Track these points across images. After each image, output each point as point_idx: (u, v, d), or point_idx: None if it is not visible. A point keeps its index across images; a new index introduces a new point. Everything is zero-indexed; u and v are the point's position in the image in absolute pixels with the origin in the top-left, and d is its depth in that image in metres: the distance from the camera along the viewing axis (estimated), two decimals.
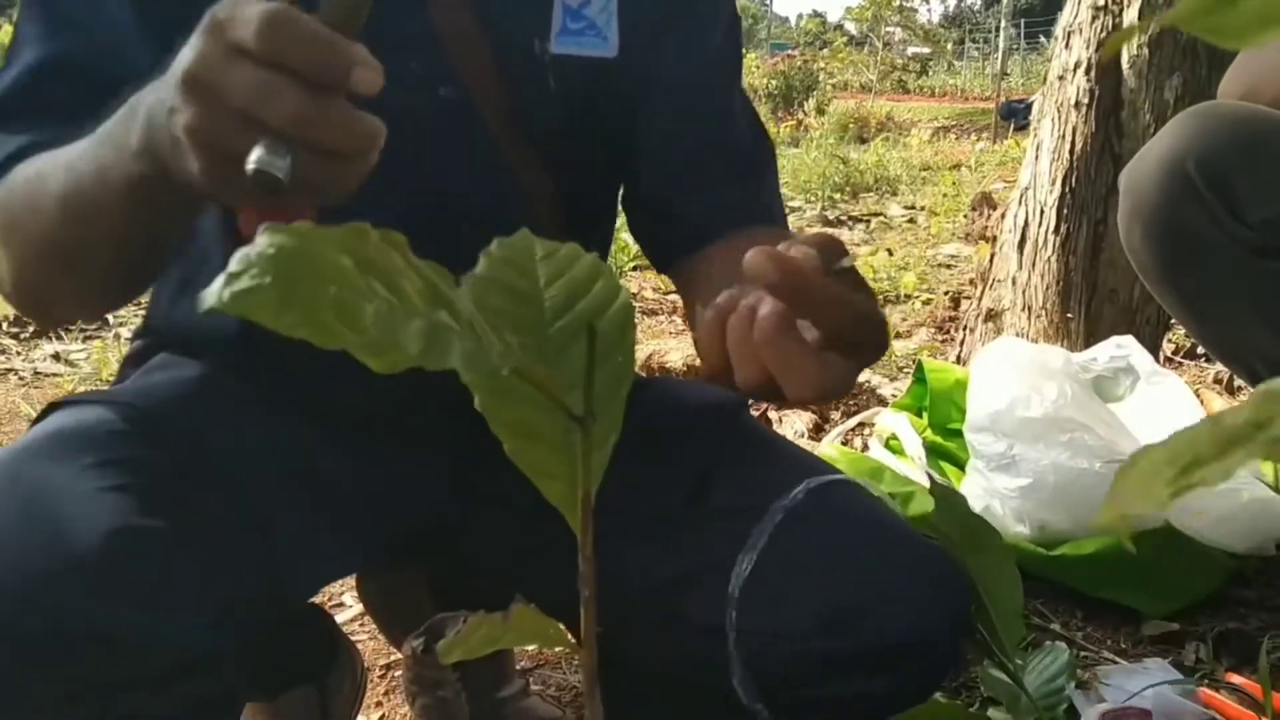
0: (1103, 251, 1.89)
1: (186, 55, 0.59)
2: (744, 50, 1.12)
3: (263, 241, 0.47)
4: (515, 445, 0.60)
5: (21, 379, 2.73)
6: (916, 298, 3.52)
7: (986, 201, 5.31)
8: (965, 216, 5.28)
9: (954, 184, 6.65)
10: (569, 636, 0.61)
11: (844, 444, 1.94)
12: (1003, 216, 2.08)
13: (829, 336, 0.62)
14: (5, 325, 3.02)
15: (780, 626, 0.82)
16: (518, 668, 1.35)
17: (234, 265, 0.44)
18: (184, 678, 0.73)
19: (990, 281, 2.07)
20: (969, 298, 3.57)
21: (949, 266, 4.20)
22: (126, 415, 0.82)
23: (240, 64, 0.58)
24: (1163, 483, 0.40)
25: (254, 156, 0.59)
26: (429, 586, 1.25)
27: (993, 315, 1.99)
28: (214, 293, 0.42)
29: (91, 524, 0.70)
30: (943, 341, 3.04)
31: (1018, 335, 1.95)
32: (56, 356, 2.89)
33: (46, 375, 2.76)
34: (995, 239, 2.10)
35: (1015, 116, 10.52)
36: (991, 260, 2.10)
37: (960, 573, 0.92)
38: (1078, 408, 1.54)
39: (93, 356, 2.86)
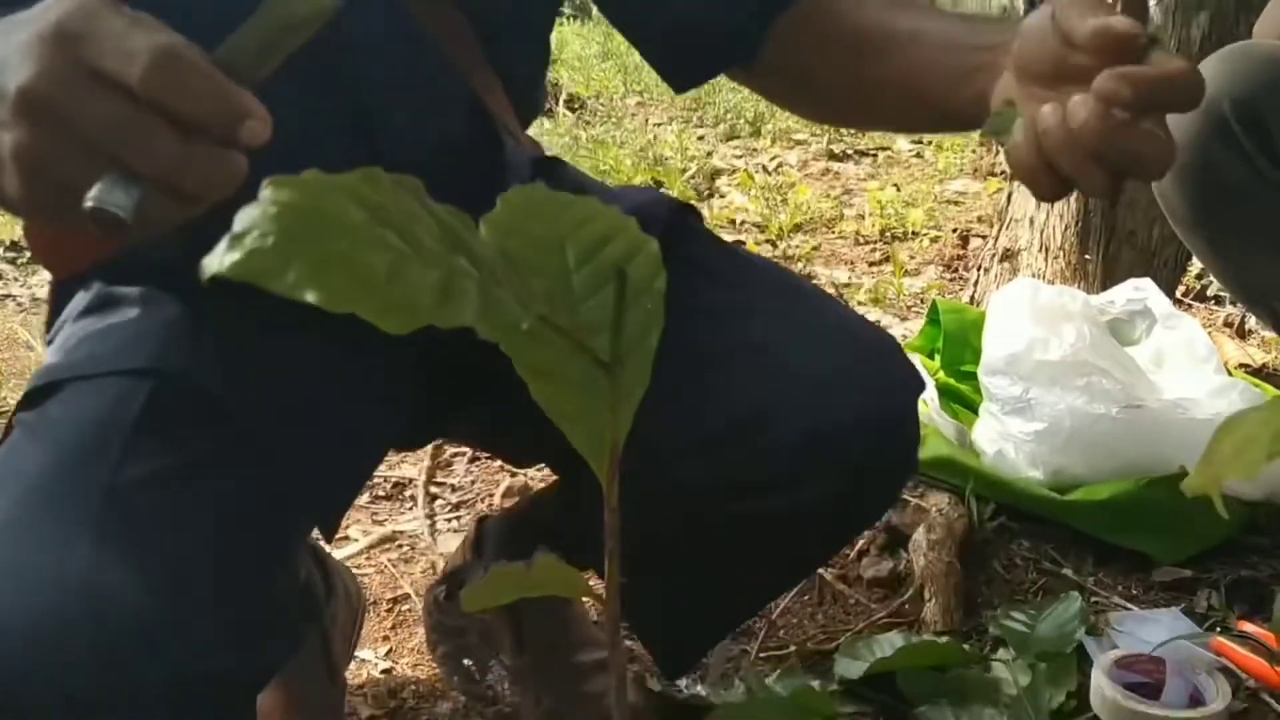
0: (1123, 191, 1.85)
1: (23, 65, 0.51)
2: None
3: (266, 197, 0.43)
4: (541, 389, 0.58)
5: (20, 304, 2.71)
6: (924, 235, 3.48)
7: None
8: (974, 151, 5.21)
9: None
10: (592, 588, 0.59)
11: None
12: None
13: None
14: (2, 250, 2.99)
15: (693, 434, 0.81)
16: None
17: (238, 225, 0.41)
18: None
19: (1007, 221, 2.03)
20: (978, 235, 3.54)
21: (957, 203, 4.15)
22: (140, 393, 0.76)
23: (102, 93, 0.51)
24: (1259, 448, 0.38)
25: (95, 193, 0.52)
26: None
27: (1009, 255, 1.96)
28: (215, 258, 0.40)
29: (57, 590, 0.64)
30: (951, 280, 3.01)
31: (1034, 276, 1.92)
32: None
33: (43, 300, 2.73)
34: (1011, 176, 2.07)
35: None
36: (1009, 199, 2.06)
37: (903, 364, 0.90)
38: (1096, 351, 1.52)
39: None
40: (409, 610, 1.47)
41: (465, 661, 1.16)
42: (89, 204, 0.52)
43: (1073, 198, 1.87)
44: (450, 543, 1.59)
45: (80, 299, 0.90)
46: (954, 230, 3.53)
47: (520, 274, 0.55)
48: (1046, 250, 1.91)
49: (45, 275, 2.92)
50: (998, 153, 5.11)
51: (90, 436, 0.72)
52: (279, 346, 0.82)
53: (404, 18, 0.85)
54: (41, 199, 0.54)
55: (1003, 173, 4.73)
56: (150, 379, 0.76)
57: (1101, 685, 1.19)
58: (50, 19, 0.52)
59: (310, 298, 0.40)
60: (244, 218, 0.41)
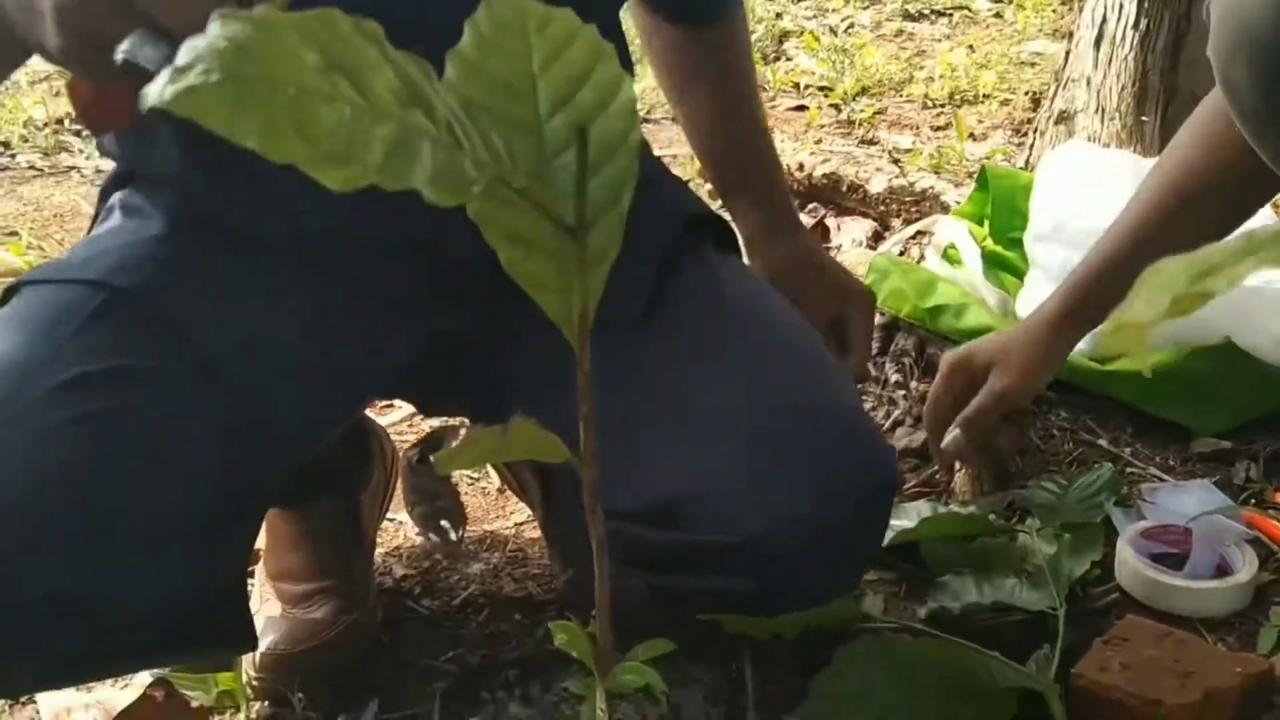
0: (1183, 50, 1.76)
1: None
2: None
3: (215, 31, 0.41)
4: (510, 255, 0.57)
5: (84, 176, 2.75)
6: (994, 98, 3.36)
7: None
8: (1055, 10, 4.99)
9: None
10: (567, 450, 0.59)
11: (901, 253, 1.89)
12: (1079, 11, 1.95)
13: None
14: (67, 122, 3.03)
15: (624, 507, 0.76)
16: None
17: (181, 58, 0.39)
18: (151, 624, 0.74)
19: (1064, 81, 1.95)
20: (1050, 97, 3.42)
21: (1032, 64, 3.98)
22: (93, 302, 0.80)
23: None
24: (1171, 290, 0.36)
25: (127, 46, 0.54)
26: None
27: (1065, 118, 1.89)
28: (155, 90, 0.38)
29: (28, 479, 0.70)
30: (1019, 145, 2.92)
31: (1089, 139, 1.85)
32: None
33: (107, 172, 2.77)
34: (1072, 35, 1.98)
35: None
36: (1066, 58, 1.98)
37: (867, 461, 0.82)
38: None
39: None
40: (392, 447, 1.49)
41: (442, 523, 1.18)
42: (119, 56, 0.54)
43: (1130, 57, 1.79)
44: None
45: (105, 206, 0.94)
46: (1027, 93, 3.40)
47: (482, 129, 0.53)
48: (1103, 112, 1.84)
49: None
50: (1080, 11, 4.90)
51: (36, 334, 0.77)
52: (265, 278, 0.82)
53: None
54: (78, 51, 0.55)
55: (1070, 34, 4.54)
56: (104, 292, 0.79)
57: (1126, 555, 1.19)
58: None
59: (250, 143, 0.39)
60: (189, 50, 0.39)
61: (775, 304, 0.92)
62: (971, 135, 2.95)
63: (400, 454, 1.22)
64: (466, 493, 1.44)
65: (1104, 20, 1.84)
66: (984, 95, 3.41)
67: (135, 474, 0.76)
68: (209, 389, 0.81)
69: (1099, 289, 1.19)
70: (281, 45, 0.42)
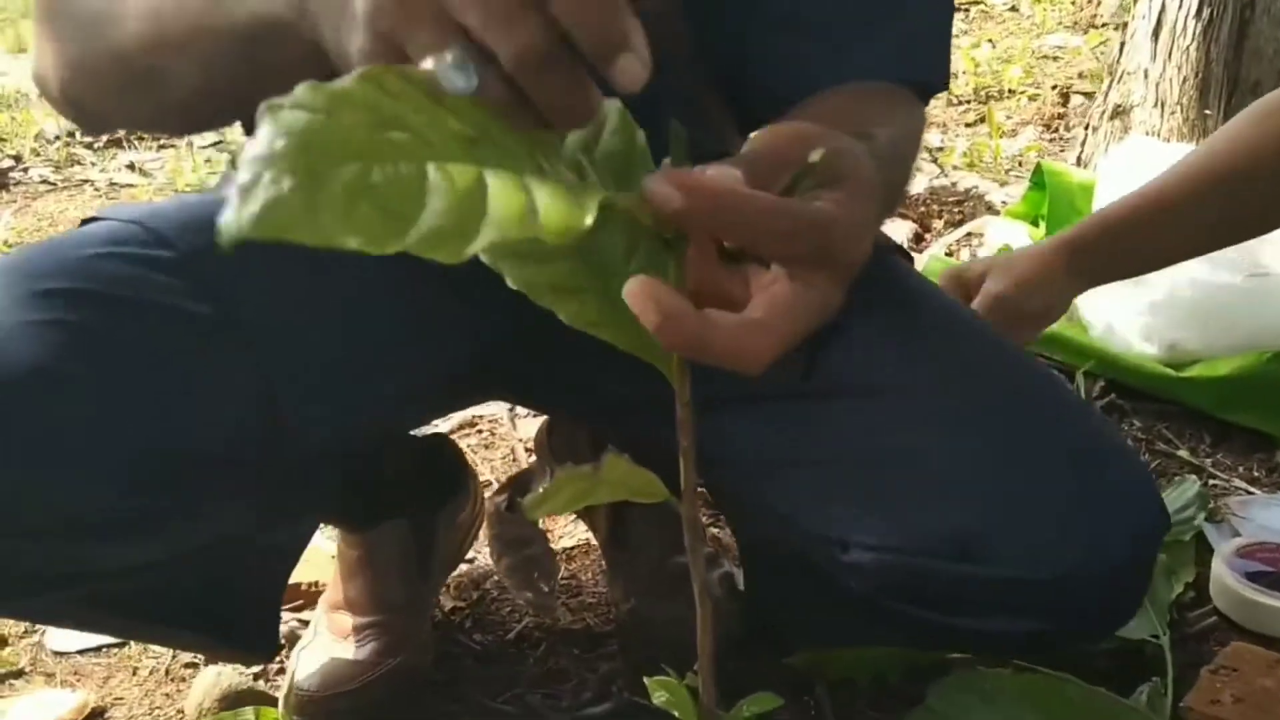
0: (1248, 39, 1.70)
1: None
2: None
3: (268, 130, 0.35)
4: (573, 309, 0.51)
5: (97, 190, 2.70)
6: (1021, 93, 3.30)
7: None
8: (1072, 3, 4.93)
9: None
10: (666, 489, 0.53)
11: (948, 254, 1.82)
12: (1135, 1, 1.88)
13: (780, 261, 0.49)
14: (79, 135, 2.97)
15: (894, 541, 0.72)
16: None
17: (244, 172, 0.34)
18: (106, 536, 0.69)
19: (1119, 74, 1.89)
20: (1080, 92, 3.35)
21: (1055, 58, 3.93)
22: (138, 238, 0.75)
23: (444, 25, 0.45)
24: None
25: (436, 63, 0.46)
26: (592, 446, 1.18)
27: (1120, 112, 1.82)
28: (232, 217, 0.33)
29: None
30: (1051, 140, 2.86)
31: (1148, 134, 1.79)
32: (131, 166, 2.84)
33: (122, 185, 2.72)
34: (1125, 26, 1.91)
35: None
36: (1120, 50, 1.91)
37: (1147, 494, 0.76)
38: None
39: (167, 166, 2.80)
40: (481, 488, 1.44)
41: (534, 575, 1.10)
42: (427, 70, 0.46)
43: (1192, 48, 1.72)
44: (530, 428, 1.55)
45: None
46: (1054, 87, 3.35)
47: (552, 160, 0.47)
48: (1162, 105, 1.77)
49: (122, 160, 2.91)
50: (1099, 3, 4.83)
51: (64, 246, 0.75)
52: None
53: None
54: (382, 59, 0.48)
55: (1105, 25, 4.47)
56: (153, 235, 0.76)
57: (1222, 575, 1.12)
58: None
59: (352, 244, 0.35)
60: (251, 161, 0.35)
61: (983, 328, 0.85)
62: (1002, 132, 2.89)
63: (486, 500, 1.14)
64: None
65: (1162, 10, 1.77)
66: (1010, 91, 3.35)
67: (96, 390, 0.69)
68: (240, 350, 0.75)
69: (1116, 237, 1.10)
70: (342, 122, 0.38)
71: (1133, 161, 1.50)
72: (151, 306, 0.73)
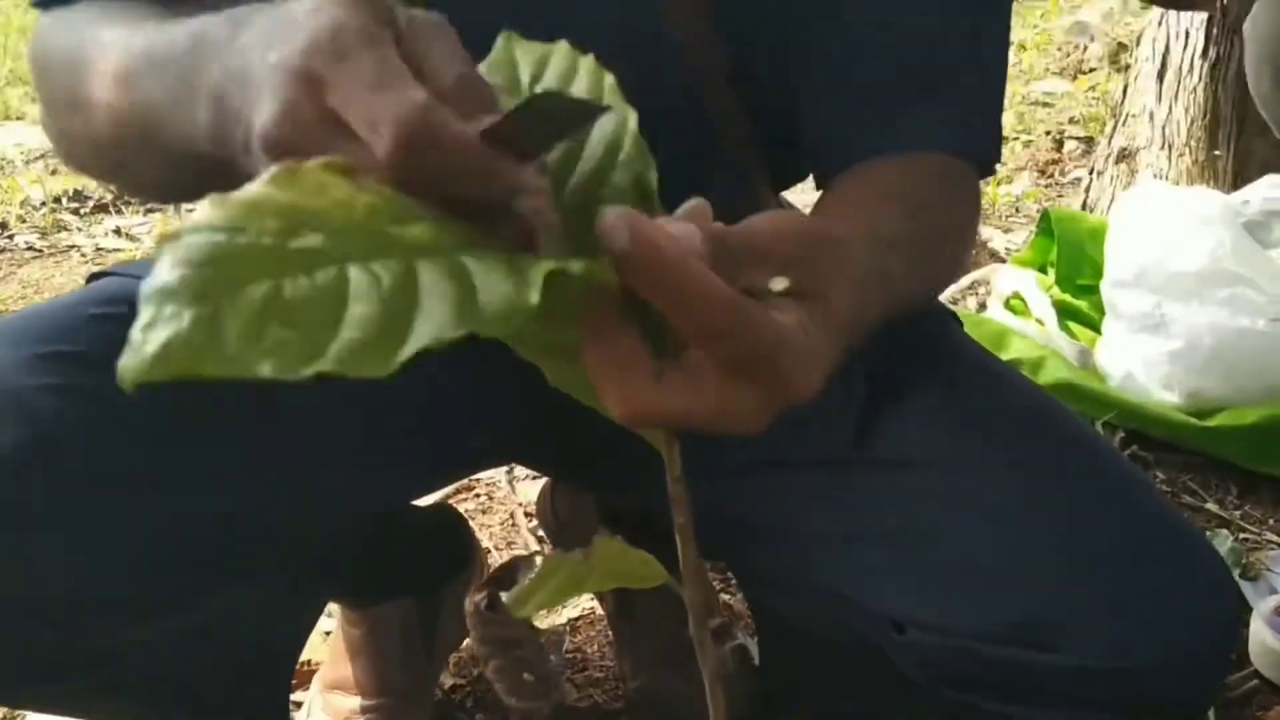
0: None
1: (266, 99, 0.44)
2: None
3: (164, 264, 0.32)
4: (556, 370, 0.47)
5: (84, 256, 2.65)
6: (1014, 139, 3.29)
7: (1082, 31, 4.98)
8: (1059, 49, 4.95)
9: (1043, 15, 6.25)
10: (665, 571, 0.48)
11: (955, 303, 1.78)
12: (1138, 42, 1.85)
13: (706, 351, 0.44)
14: (65, 201, 2.93)
15: (954, 624, 0.66)
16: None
17: (142, 311, 0.31)
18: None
19: (1123, 117, 1.86)
20: (1074, 138, 3.34)
21: (1046, 105, 3.93)
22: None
23: (349, 147, 0.42)
24: None
25: None
26: (600, 513, 1.13)
27: (1126, 155, 1.78)
28: (131, 359, 0.30)
29: None
30: (1047, 186, 2.84)
31: (1155, 176, 1.75)
32: (118, 231, 2.79)
33: (109, 251, 2.67)
34: (1128, 68, 1.88)
35: None
36: (1124, 93, 1.88)
37: (1225, 583, 0.71)
38: (1238, 258, 1.36)
39: (154, 230, 2.76)
40: (488, 563, 1.38)
41: (525, 676, 1.04)
42: None
43: (1200, 88, 1.69)
44: (530, 491, 1.49)
45: None
46: (1047, 133, 3.34)
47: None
48: (1170, 147, 1.74)
49: (109, 225, 2.87)
50: (1085, 49, 4.85)
51: (69, 305, 0.73)
52: None
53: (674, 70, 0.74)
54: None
55: (1093, 70, 4.49)
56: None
57: (1262, 635, 1.07)
58: (298, 48, 0.43)
59: (266, 371, 0.32)
60: (147, 298, 0.32)
61: (1048, 400, 0.79)
62: (998, 180, 2.87)
63: (466, 599, 1.09)
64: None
65: (1166, 51, 1.74)
66: (1004, 137, 3.34)
67: (100, 459, 0.66)
68: (257, 416, 0.70)
69: None
70: (249, 237, 0.35)
71: (1145, 206, 1.46)
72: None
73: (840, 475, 0.73)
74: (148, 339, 0.30)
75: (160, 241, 0.33)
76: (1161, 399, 1.39)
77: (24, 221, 2.79)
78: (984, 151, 0.79)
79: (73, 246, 2.71)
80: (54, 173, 3.01)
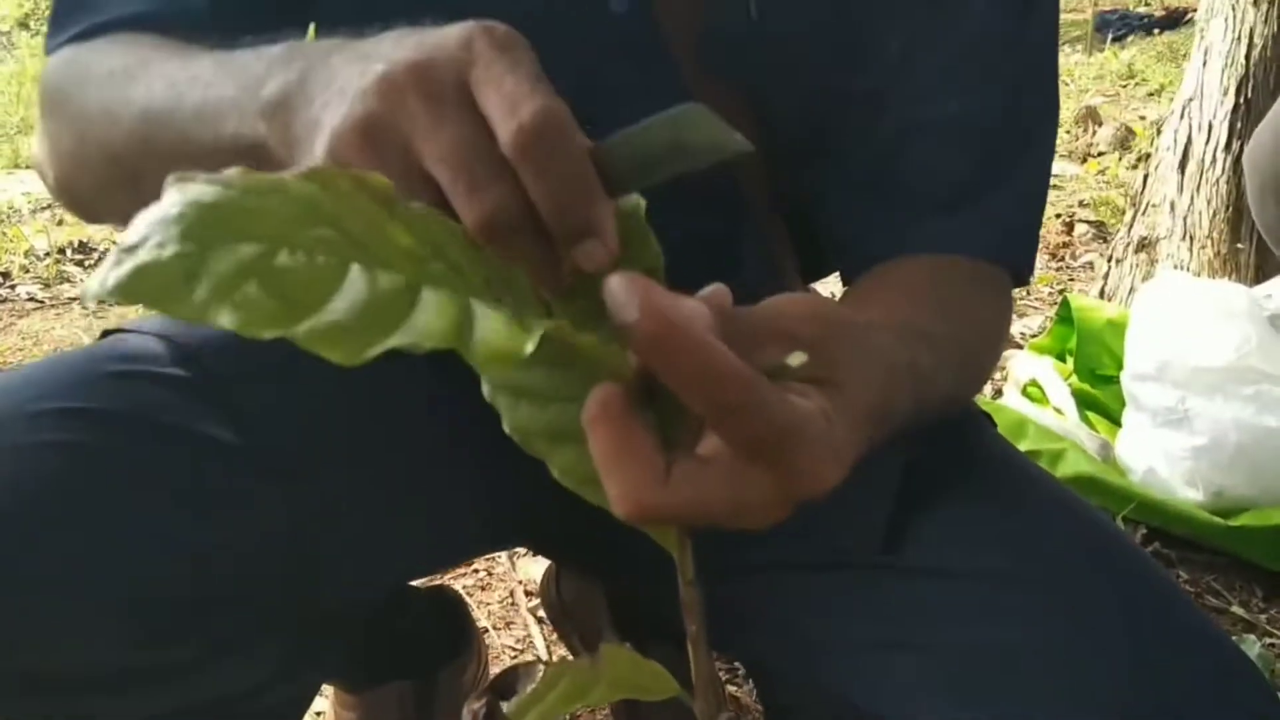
0: None
1: (406, 47, 0.44)
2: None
3: (169, 199, 0.32)
4: (564, 462, 0.44)
5: (85, 308, 2.63)
6: None
7: (1091, 116, 5.03)
8: (1068, 133, 4.99)
9: None
10: (677, 685, 0.45)
11: None
12: (1159, 132, 1.84)
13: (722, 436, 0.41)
14: (70, 252, 2.92)
15: None
16: None
17: (130, 233, 0.32)
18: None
19: (1143, 206, 1.84)
20: (1084, 221, 3.34)
21: (1056, 187, 3.94)
22: (154, 351, 0.70)
23: (462, 116, 0.43)
24: None
25: None
26: (607, 600, 1.09)
27: (1146, 245, 1.77)
28: (98, 277, 0.31)
29: None
30: (1058, 269, 2.83)
31: (1176, 267, 1.73)
32: None
33: (110, 304, 2.65)
34: (1149, 157, 1.87)
35: (1109, 28, 10.13)
36: (1144, 181, 1.87)
37: (1268, 696, 0.69)
38: (1264, 355, 1.33)
39: None
40: (486, 646, 1.34)
41: None
42: None
43: (1222, 180, 1.67)
44: (531, 568, 1.45)
45: None
46: (1057, 216, 3.34)
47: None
48: (1191, 239, 1.72)
49: None
50: (1094, 133, 4.88)
51: (77, 361, 0.70)
52: (365, 384, 0.68)
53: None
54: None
55: (1103, 154, 4.51)
56: (171, 347, 0.70)
57: None
58: (454, 35, 0.44)
59: (225, 321, 0.31)
60: (140, 223, 0.32)
61: (1082, 506, 0.76)
62: None
63: (464, 709, 1.05)
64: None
65: (1189, 142, 1.73)
66: None
67: (103, 520, 0.63)
68: (264, 483, 0.68)
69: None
70: (250, 201, 0.34)
71: (1167, 297, 1.44)
72: (169, 430, 0.66)
73: (868, 580, 0.70)
74: (122, 260, 0.30)
75: (175, 180, 0.33)
76: (1185, 496, 1.36)
77: (27, 271, 2.78)
78: (1017, 260, 0.76)
79: (74, 299, 2.69)
80: (60, 223, 3.00)
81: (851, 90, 0.73)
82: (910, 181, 0.72)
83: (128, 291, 0.30)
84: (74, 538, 0.61)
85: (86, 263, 2.91)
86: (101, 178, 0.67)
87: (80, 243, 2.96)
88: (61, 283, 2.77)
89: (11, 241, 2.90)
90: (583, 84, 0.54)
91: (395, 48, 0.45)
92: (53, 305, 2.65)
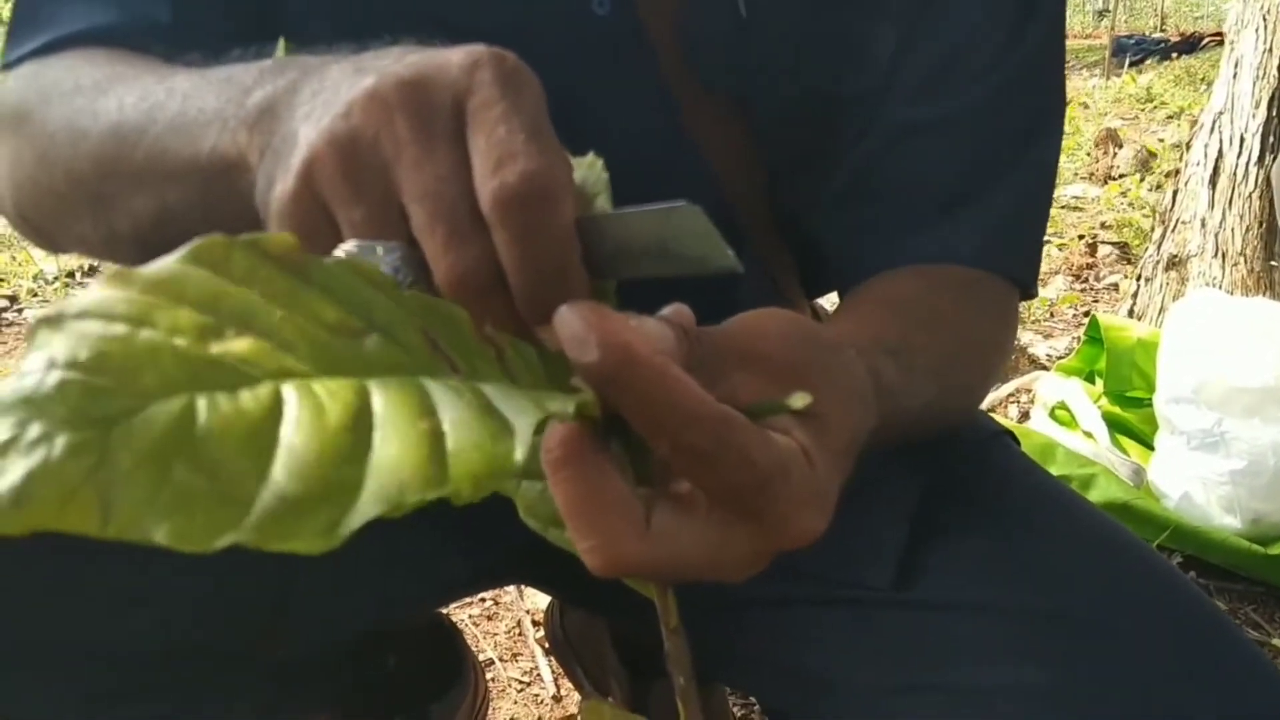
0: None
1: (398, 66, 0.40)
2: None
3: (39, 361, 0.24)
4: (525, 501, 0.40)
5: None
6: (1048, 242, 3.24)
7: (1111, 138, 4.99)
8: (1088, 155, 4.95)
9: (1071, 121, 6.27)
10: None
11: (991, 410, 1.69)
12: (1188, 147, 1.79)
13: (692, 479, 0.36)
14: (79, 276, 2.90)
15: None
16: None
17: (2, 424, 0.23)
18: None
19: (1172, 224, 1.79)
20: (1106, 242, 3.29)
21: (1077, 209, 3.91)
22: None
23: (448, 153, 0.38)
24: None
25: (351, 248, 0.38)
26: (611, 633, 1.05)
27: (1176, 262, 1.71)
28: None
29: None
30: (1082, 290, 2.79)
31: (1207, 285, 1.68)
32: None
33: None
34: (1178, 173, 1.82)
35: (1126, 53, 10.10)
36: (1173, 198, 1.81)
37: None
38: None
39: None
40: (493, 678, 1.29)
41: None
42: (339, 253, 0.38)
43: (1255, 195, 1.62)
44: (539, 598, 1.40)
45: None
46: (1080, 237, 3.30)
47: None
48: (1223, 256, 1.66)
49: None
50: (1115, 155, 4.84)
51: None
52: None
53: (669, 121, 0.69)
54: (300, 212, 0.39)
55: (1123, 175, 4.46)
56: None
57: None
58: (471, 56, 0.40)
59: (161, 538, 0.24)
60: (11, 404, 0.23)
61: (1115, 529, 0.71)
62: None
63: None
64: (516, 701, 1.23)
65: (1220, 156, 1.68)
66: None
67: (82, 571, 0.60)
68: None
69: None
70: (149, 338, 0.26)
71: (1200, 317, 1.39)
72: None
73: (883, 616, 0.65)
74: (7, 468, 0.22)
75: (36, 326, 0.24)
76: (1221, 523, 1.30)
77: (35, 295, 2.75)
78: (1016, 267, 0.71)
79: None
80: None
81: (841, 93, 0.69)
82: (901, 188, 0.68)
83: (17, 515, 0.22)
84: (33, 593, 0.58)
85: None
86: (64, 201, 0.61)
87: (90, 267, 2.94)
88: None
89: (20, 265, 2.88)
90: (565, 87, 0.50)
91: (395, 63, 0.40)
92: None
